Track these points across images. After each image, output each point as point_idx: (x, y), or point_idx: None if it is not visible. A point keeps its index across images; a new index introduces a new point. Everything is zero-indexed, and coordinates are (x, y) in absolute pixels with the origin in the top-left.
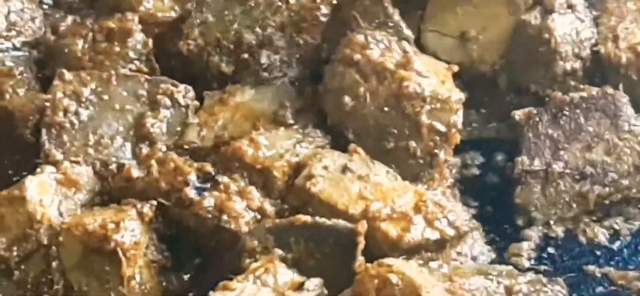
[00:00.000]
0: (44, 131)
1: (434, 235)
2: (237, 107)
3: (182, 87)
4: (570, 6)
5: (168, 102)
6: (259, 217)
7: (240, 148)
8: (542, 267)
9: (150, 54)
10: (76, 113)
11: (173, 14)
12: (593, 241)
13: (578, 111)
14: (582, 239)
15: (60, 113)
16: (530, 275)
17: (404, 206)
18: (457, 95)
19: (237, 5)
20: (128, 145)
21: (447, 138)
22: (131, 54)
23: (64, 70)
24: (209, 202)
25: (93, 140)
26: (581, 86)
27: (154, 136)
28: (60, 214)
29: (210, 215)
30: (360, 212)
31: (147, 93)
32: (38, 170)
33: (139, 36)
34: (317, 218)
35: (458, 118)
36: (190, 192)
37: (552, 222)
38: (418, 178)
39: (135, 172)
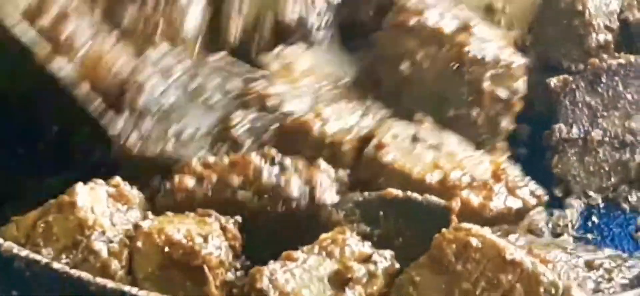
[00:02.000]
0: None
1: (516, 204)
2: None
3: None
4: None
5: None
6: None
7: (307, 122)
8: (589, 235)
9: None
10: None
11: None
12: (638, 209)
13: (616, 78)
14: (625, 206)
15: None
16: (609, 251)
17: (482, 174)
18: (520, 60)
19: None
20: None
21: (509, 106)
22: None
23: None
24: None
25: None
26: (617, 54)
27: None
28: (113, 225)
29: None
30: (437, 180)
31: None
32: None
33: None
34: (409, 193)
35: (521, 85)
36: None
37: (591, 191)
38: (481, 147)
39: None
